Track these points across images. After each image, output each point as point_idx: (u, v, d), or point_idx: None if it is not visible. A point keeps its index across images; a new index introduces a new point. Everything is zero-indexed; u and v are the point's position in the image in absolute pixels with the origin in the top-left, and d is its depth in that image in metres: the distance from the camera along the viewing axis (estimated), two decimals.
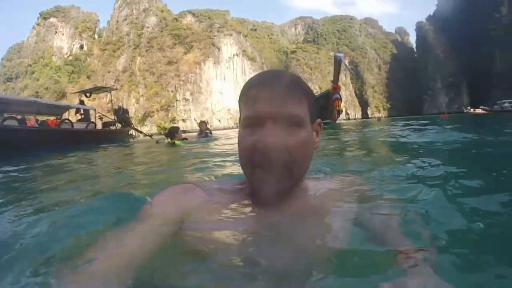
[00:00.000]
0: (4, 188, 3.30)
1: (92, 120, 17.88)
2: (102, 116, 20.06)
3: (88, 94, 19.84)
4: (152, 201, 0.93)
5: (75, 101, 20.46)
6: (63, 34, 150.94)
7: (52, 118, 16.42)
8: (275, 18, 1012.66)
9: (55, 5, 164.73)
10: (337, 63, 10.91)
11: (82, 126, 15.78)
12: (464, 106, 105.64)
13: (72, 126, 14.98)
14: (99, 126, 18.65)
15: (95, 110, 18.81)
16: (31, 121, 14.02)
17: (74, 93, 21.63)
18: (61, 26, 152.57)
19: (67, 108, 17.79)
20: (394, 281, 0.58)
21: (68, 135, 13.99)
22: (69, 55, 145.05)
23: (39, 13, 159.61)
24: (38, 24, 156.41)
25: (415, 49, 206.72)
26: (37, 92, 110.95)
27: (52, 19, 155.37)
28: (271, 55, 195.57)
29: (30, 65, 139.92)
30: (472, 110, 60.31)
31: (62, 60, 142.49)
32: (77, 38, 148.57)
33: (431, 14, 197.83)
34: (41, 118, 15.71)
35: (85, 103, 18.90)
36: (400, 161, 2.74)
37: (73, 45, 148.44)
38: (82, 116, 17.86)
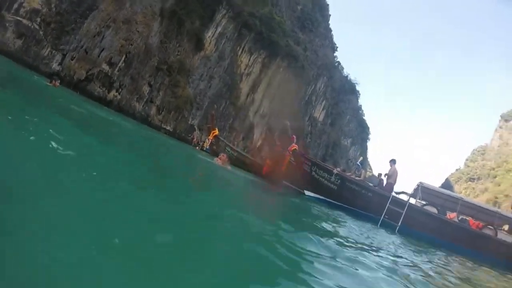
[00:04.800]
0: None
1: None
2: None
3: None
4: None
5: None
6: None
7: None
8: None
9: None
10: None
11: (508, 238, 13.79)
12: None
13: (496, 234, 13.52)
14: None
15: None
16: (452, 214, 14.42)
17: None
18: None
19: (494, 214, 14.98)
20: None
21: (484, 241, 12.73)
22: None
23: (500, 116, 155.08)
24: (500, 127, 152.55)
25: None
26: (496, 198, 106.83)
27: None
28: None
29: (493, 169, 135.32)
30: None
31: None
32: None
33: None
34: None
35: None
36: None
37: None
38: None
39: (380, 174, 15.88)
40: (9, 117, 3.70)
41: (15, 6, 29.62)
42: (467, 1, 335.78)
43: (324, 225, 5.65)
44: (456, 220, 14.02)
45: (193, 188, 4.91)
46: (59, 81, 19.43)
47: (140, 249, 1.78)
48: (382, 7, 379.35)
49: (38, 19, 30.69)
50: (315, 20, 72.42)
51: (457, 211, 14.43)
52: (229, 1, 48.18)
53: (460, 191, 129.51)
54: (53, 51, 31.82)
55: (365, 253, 4.18)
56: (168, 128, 40.81)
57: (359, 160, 17.42)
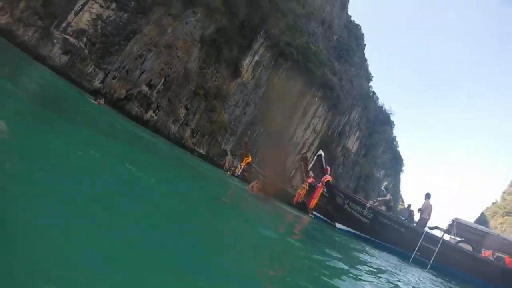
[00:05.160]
0: None
1: None
2: None
3: None
4: None
5: None
6: None
7: None
8: None
9: None
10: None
11: None
12: None
13: None
14: None
15: None
16: (487, 252, 14.11)
17: None
18: None
19: None
20: None
21: None
22: None
23: None
24: None
25: None
26: None
27: None
28: None
29: None
30: None
31: None
32: None
33: None
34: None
35: None
36: None
37: None
38: None
39: (409, 206, 15.46)
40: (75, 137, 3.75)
41: (64, 24, 31.14)
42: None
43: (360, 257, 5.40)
44: (491, 258, 13.44)
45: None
46: (103, 100, 20.12)
47: None
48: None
49: (84, 39, 32.06)
50: (350, 49, 72.73)
51: (493, 248, 13.91)
52: (267, 31, 49.01)
53: (496, 226, 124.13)
54: (96, 69, 33.00)
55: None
56: (201, 151, 41.06)
57: (384, 185, 17.01)
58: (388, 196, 14.93)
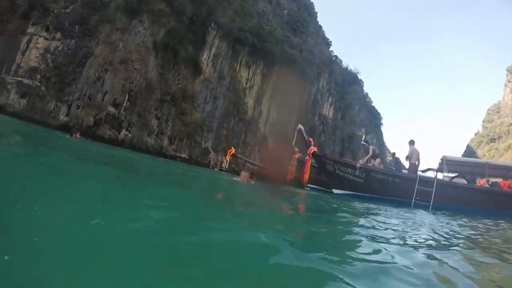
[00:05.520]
0: None
1: None
2: None
3: None
4: None
5: None
6: None
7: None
8: None
9: None
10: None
11: None
12: None
13: None
14: None
15: None
16: (482, 181, 14.44)
17: None
18: None
19: None
20: None
21: None
22: None
23: (506, 70, 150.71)
24: (509, 81, 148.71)
25: None
26: None
27: None
28: None
29: (511, 124, 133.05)
30: None
31: None
32: None
33: None
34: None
35: None
36: None
37: None
38: None
39: (394, 154, 15.81)
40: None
41: (14, 67, 30.51)
42: None
43: (362, 217, 5.57)
44: (486, 185, 13.97)
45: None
46: (79, 133, 19.85)
47: None
48: None
49: (38, 76, 31.48)
50: (303, 20, 72.61)
51: (486, 176, 14.38)
52: (217, 22, 48.70)
53: (484, 154, 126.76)
54: (58, 104, 32.49)
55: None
56: (183, 155, 40.97)
57: (363, 139, 17.11)
58: (371, 149, 15.06)
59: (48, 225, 1.90)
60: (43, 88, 31.69)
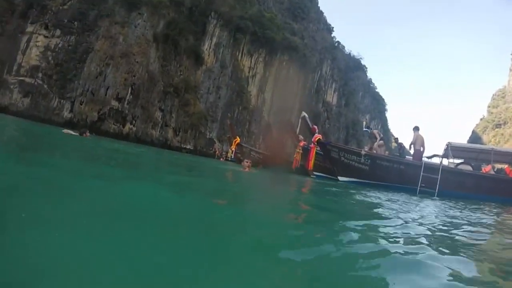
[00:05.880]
0: None
1: None
2: None
3: None
4: None
5: None
6: None
7: None
8: None
9: None
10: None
11: None
12: None
13: None
14: None
15: None
16: (487, 167, 14.33)
17: None
18: None
19: None
20: None
21: None
22: None
23: (511, 54, 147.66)
24: None
25: None
26: None
27: None
28: None
29: None
30: None
31: None
32: None
33: None
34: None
35: None
36: None
37: None
38: None
39: (397, 139, 15.65)
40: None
41: (15, 67, 30.47)
42: None
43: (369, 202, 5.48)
44: (492, 172, 13.76)
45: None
46: (88, 131, 19.81)
47: None
48: None
49: (40, 74, 31.44)
50: (304, 6, 72.07)
51: (491, 162, 14.23)
52: (217, 11, 48.35)
53: (490, 140, 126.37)
54: (62, 101, 32.49)
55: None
56: (188, 147, 41.01)
57: (365, 126, 16.81)
58: (376, 133, 14.97)
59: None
60: (45, 86, 31.69)
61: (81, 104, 33.26)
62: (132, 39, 37.86)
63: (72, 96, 33.07)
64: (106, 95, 34.70)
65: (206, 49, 47.12)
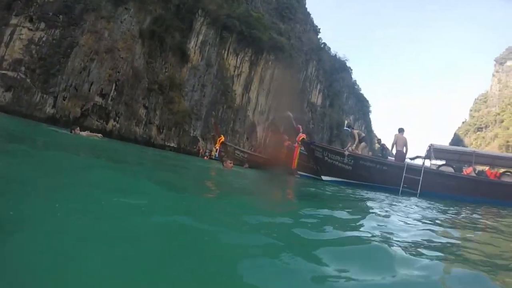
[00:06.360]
0: None
1: None
2: None
3: None
4: None
5: None
6: None
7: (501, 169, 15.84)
8: None
9: (506, 48, 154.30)
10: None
11: None
12: None
13: None
14: None
15: None
16: (468, 169, 14.72)
17: None
18: None
19: (509, 158, 15.46)
20: None
21: (503, 188, 12.96)
22: None
23: (494, 60, 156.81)
24: (497, 71, 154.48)
25: None
26: (507, 142, 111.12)
27: (508, 63, 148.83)
28: None
29: (498, 114, 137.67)
30: None
31: None
32: None
33: None
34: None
35: None
36: None
37: None
38: None
39: (379, 140, 15.99)
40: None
41: None
42: None
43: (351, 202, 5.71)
44: (473, 174, 14.15)
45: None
46: (78, 128, 19.57)
47: None
48: None
49: (23, 68, 30.98)
50: (291, 7, 72.30)
51: (473, 164, 14.60)
52: (204, 8, 48.25)
53: (471, 142, 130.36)
54: (44, 96, 32.07)
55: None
56: (172, 144, 40.92)
57: (346, 125, 16.86)
58: (356, 133, 15.16)
59: None
60: (28, 80, 31.23)
61: (64, 100, 32.87)
62: (118, 35, 37.60)
63: (55, 91, 32.65)
64: (89, 90, 34.39)
65: (192, 47, 47.00)
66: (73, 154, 6.62)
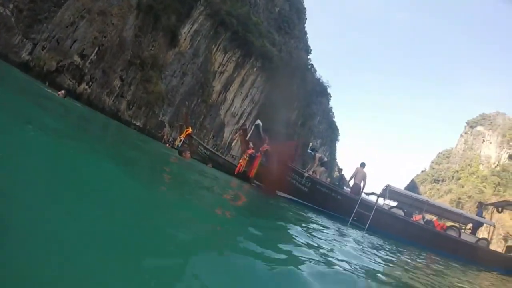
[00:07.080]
0: None
1: (486, 236, 15.47)
2: (508, 238, 16.54)
3: (500, 209, 16.92)
4: None
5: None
6: (490, 142, 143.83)
7: (448, 222, 16.95)
8: None
9: (480, 113, 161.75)
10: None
11: (471, 239, 14.51)
12: None
13: (460, 235, 14.38)
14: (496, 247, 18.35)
15: (494, 226, 15.57)
16: (418, 216, 15.27)
17: (487, 205, 18.73)
18: (488, 134, 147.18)
19: (459, 215, 16.06)
20: None
21: (448, 242, 13.81)
22: (497, 165, 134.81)
23: (466, 122, 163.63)
24: (465, 133, 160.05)
25: None
26: (459, 198, 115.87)
27: (478, 128, 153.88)
28: None
29: (457, 171, 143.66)
30: None
31: (489, 170, 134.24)
32: (505, 147, 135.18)
33: None
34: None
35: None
36: None
37: (501, 154, 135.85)
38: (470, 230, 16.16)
39: (341, 170, 16.58)
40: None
41: None
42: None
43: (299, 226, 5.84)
44: (421, 221, 14.93)
45: None
46: (63, 91, 19.10)
47: None
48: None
49: (11, 5, 29.90)
50: (291, 22, 73.32)
51: (423, 212, 15.68)
52: None
53: (425, 191, 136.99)
54: (24, 40, 31.08)
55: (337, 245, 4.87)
56: (138, 124, 40.56)
57: (310, 147, 16.83)
58: (317, 157, 15.22)
59: None
60: (12, 19, 30.12)
61: (42, 50, 31.97)
62: (115, 0, 37.00)
63: (36, 39, 31.67)
64: (71, 48, 33.65)
65: (185, 33, 46.91)
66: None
